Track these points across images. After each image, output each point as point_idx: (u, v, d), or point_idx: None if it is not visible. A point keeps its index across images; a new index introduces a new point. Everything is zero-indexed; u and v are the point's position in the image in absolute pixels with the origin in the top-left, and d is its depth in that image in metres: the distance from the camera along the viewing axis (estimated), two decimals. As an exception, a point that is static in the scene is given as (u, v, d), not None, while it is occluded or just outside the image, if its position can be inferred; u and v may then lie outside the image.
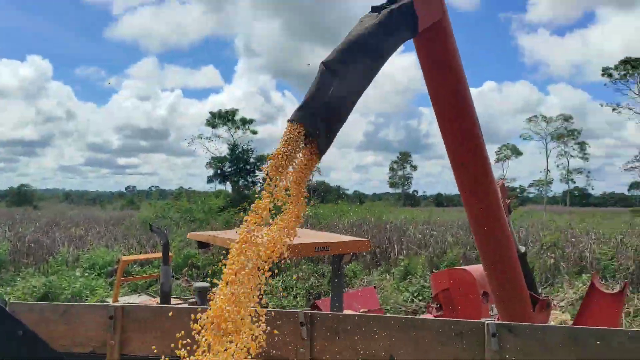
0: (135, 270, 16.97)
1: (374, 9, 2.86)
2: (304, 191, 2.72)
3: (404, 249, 19.37)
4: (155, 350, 2.97)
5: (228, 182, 60.06)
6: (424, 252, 18.53)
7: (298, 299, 14.74)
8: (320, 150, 2.70)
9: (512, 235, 4.57)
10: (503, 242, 4.11)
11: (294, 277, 16.11)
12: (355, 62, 2.67)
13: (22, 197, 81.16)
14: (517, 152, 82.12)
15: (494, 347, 2.79)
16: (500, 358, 2.79)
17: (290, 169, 2.66)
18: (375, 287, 11.60)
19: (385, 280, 16.50)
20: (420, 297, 14.32)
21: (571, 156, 74.69)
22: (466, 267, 6.47)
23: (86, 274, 16.95)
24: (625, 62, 62.16)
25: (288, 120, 2.60)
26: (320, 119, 2.60)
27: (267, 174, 2.58)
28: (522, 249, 4.87)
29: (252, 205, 2.63)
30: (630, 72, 61.96)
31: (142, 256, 13.10)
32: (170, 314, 2.93)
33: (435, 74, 3.47)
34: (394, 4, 2.83)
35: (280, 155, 2.54)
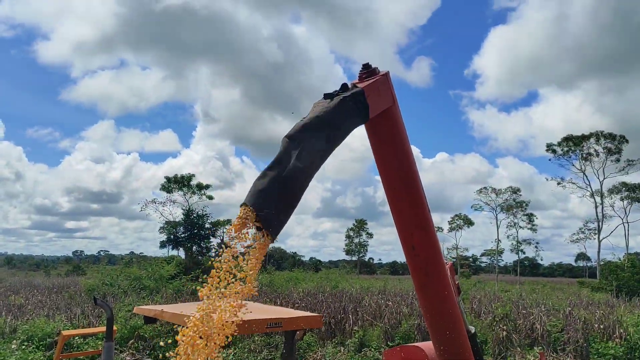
0: (77, 342, 16.06)
1: (327, 96, 2.96)
2: (256, 271, 2.71)
3: (359, 319, 19.13)
4: None
5: (181, 248, 58.72)
6: (379, 323, 18.35)
7: (250, 373, 14.22)
8: (273, 232, 2.71)
9: (463, 315, 4.61)
10: (453, 324, 4.13)
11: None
12: (314, 136, 2.74)
13: (-41, 261, 76.86)
14: (469, 222, 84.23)
15: None
16: None
17: (242, 249, 2.66)
18: (328, 362, 11.31)
19: (340, 354, 16.16)
20: (374, 372, 14.04)
21: (520, 227, 77.04)
22: (418, 344, 6.42)
23: (23, 347, 15.91)
24: (567, 139, 65.93)
25: (240, 205, 2.63)
26: (272, 203, 2.63)
27: (221, 262, 2.59)
28: (472, 329, 4.91)
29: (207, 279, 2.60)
30: (573, 148, 65.62)
31: (84, 330, 12.45)
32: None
33: (384, 153, 3.59)
34: (346, 92, 2.94)
35: (234, 240, 2.55)
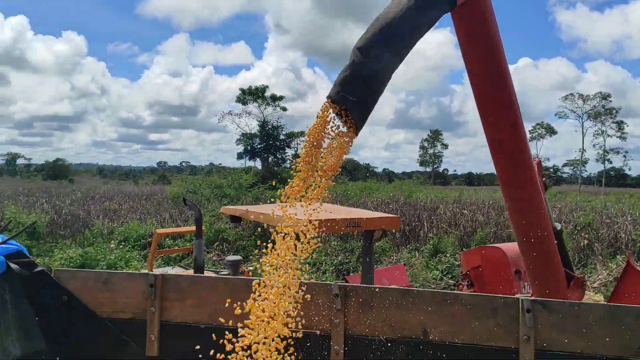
0: (167, 243, 17.33)
1: None
2: (339, 166, 2.76)
3: (433, 227, 19.26)
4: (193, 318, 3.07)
5: (258, 159, 60.48)
6: (453, 231, 18.42)
7: (327, 274, 14.87)
8: (357, 126, 2.74)
9: (548, 212, 4.50)
10: (539, 218, 4.05)
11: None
12: (387, 45, 2.67)
13: (57, 171, 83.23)
14: (551, 131, 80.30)
15: (529, 323, 2.78)
16: (535, 334, 2.79)
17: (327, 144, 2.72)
18: (404, 264, 11.61)
19: (414, 258, 16.49)
20: (449, 275, 14.28)
21: (608, 135, 72.62)
22: (499, 245, 6.41)
23: (120, 246, 17.40)
24: (669, 37, 59.67)
25: (327, 97, 2.65)
26: (356, 96, 2.64)
27: (304, 148, 2.63)
28: (558, 226, 4.80)
29: (289, 182, 2.67)
30: (674, 48, 59.52)
31: (175, 229, 13.36)
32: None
33: (473, 47, 3.41)
34: None
35: (318, 131, 2.59)
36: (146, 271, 8.97)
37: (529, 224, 4.08)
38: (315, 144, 2.70)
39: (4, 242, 3.11)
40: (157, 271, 9.45)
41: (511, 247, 6.27)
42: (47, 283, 3.10)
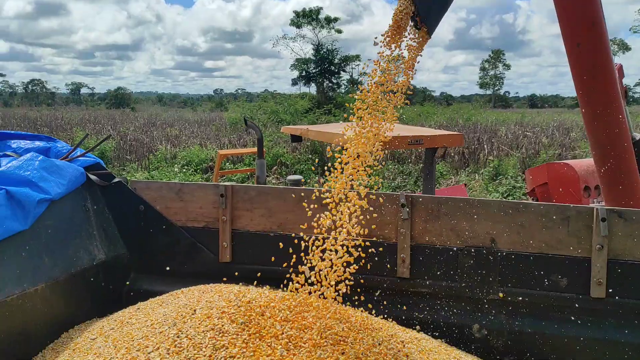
0: (227, 167, 17.82)
1: None
2: (413, 71, 2.69)
3: (494, 149, 18.82)
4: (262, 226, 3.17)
5: (313, 84, 59.96)
6: (515, 153, 17.93)
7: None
8: (430, 27, 2.65)
9: (627, 120, 4.25)
10: (617, 127, 3.84)
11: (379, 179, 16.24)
12: None
13: (119, 99, 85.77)
14: (625, 48, 74.83)
15: (603, 232, 2.71)
16: (609, 244, 2.72)
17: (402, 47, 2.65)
18: (465, 184, 11.48)
19: (474, 181, 16.28)
20: (510, 198, 14.07)
21: (688, 52, 66.98)
22: (568, 161, 6.19)
23: (184, 170, 18.04)
24: None
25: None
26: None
27: (381, 47, 2.58)
28: (637, 135, 4.54)
29: (358, 94, 2.62)
30: None
31: (237, 150, 13.69)
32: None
33: None
34: None
35: (394, 28, 2.52)
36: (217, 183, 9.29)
37: (606, 132, 3.87)
38: (392, 40, 2.61)
39: (82, 155, 3.26)
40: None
41: (580, 163, 6.05)
42: (124, 193, 3.26)
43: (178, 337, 1.97)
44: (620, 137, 3.90)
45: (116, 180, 3.27)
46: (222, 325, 2.03)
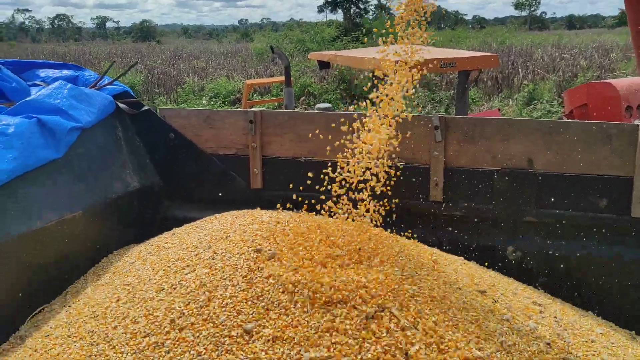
0: (255, 99, 17.72)
1: None
2: None
3: (529, 73, 18.16)
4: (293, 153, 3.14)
5: (340, 11, 58.19)
6: (552, 77, 17.29)
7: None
8: None
9: None
10: None
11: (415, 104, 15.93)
12: None
13: (145, 32, 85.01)
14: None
15: (648, 150, 2.59)
16: (654, 161, 2.61)
17: None
18: (499, 109, 11.18)
19: (507, 107, 15.85)
20: (545, 123, 13.68)
21: None
22: (609, 80, 5.92)
23: (212, 102, 18.02)
24: None
25: None
26: None
27: None
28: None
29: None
30: None
31: (265, 80, 13.54)
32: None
33: None
34: None
35: None
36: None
37: None
38: None
39: (110, 83, 3.24)
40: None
41: (622, 82, 5.76)
42: (153, 121, 3.25)
43: (213, 259, 2.00)
44: None
45: (145, 108, 3.25)
46: (257, 247, 2.04)
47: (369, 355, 1.53)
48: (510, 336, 1.79)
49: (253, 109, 3.22)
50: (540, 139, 2.79)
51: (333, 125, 2.85)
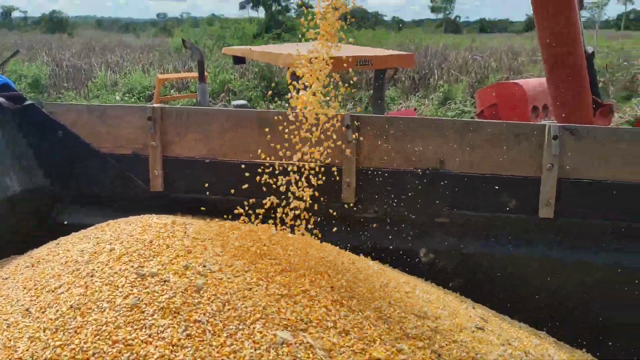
0: (173, 94, 17.09)
1: None
2: None
3: (444, 74, 18.74)
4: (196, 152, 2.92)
5: (261, 7, 57.64)
6: (465, 78, 17.93)
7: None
8: None
9: (581, 31, 4.11)
10: (571, 35, 3.69)
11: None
12: None
13: (55, 24, 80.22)
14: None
15: (555, 151, 2.60)
16: (561, 161, 2.62)
17: None
18: (415, 109, 11.39)
19: (424, 106, 16.25)
20: (459, 122, 14.15)
21: (633, -25, 67.72)
22: (517, 80, 6.11)
23: (125, 98, 17.20)
24: None
25: None
26: None
27: None
28: (590, 49, 4.43)
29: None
30: None
31: (177, 75, 13.06)
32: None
33: None
34: None
35: None
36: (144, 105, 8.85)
37: (559, 42, 3.72)
38: None
39: (-13, 75, 2.87)
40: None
41: (530, 83, 5.97)
42: (39, 117, 2.91)
43: (91, 276, 1.75)
44: (573, 47, 3.76)
45: (28, 102, 2.90)
46: (142, 263, 1.81)
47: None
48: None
49: (153, 105, 2.96)
50: (452, 139, 2.75)
51: (243, 124, 2.69)
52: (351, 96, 17.54)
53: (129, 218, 2.51)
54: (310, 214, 2.68)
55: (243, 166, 2.65)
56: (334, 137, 2.78)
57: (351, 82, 2.64)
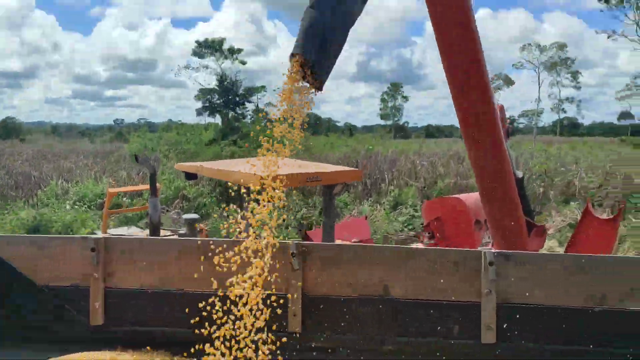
0: (126, 203, 16.89)
1: None
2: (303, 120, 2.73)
3: (394, 179, 19.39)
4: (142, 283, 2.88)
5: (217, 115, 59.26)
6: (414, 183, 18.57)
7: (289, 229, 14.81)
8: (320, 79, 2.68)
9: (510, 159, 4.43)
10: (500, 164, 3.96)
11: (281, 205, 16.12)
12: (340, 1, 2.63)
13: (8, 130, 79.63)
14: (509, 82, 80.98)
15: (491, 276, 2.70)
16: (497, 287, 2.72)
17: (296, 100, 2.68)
18: (366, 217, 11.62)
19: (376, 211, 16.59)
20: (410, 227, 14.43)
21: (563, 85, 73.88)
22: (459, 196, 6.39)
23: (76, 206, 16.87)
24: (622, -15, 60.12)
25: (290, 55, 2.62)
26: (317, 49, 2.60)
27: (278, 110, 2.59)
28: (520, 173, 4.74)
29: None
30: (628, -4, 60.08)
31: (129, 188, 13.00)
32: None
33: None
34: None
35: (287, 92, 2.52)
36: (98, 234, 8.65)
37: (491, 170, 3.99)
38: (288, 100, 2.64)
39: None
40: (112, 232, 9.19)
41: (471, 197, 6.25)
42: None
43: None
44: (503, 174, 4.03)
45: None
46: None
47: None
48: None
49: (95, 236, 2.94)
50: (395, 265, 2.82)
51: (188, 252, 2.69)
52: (305, 202, 17.78)
53: (66, 357, 2.41)
54: (256, 345, 2.64)
55: (186, 296, 2.62)
56: (280, 264, 2.81)
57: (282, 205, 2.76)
